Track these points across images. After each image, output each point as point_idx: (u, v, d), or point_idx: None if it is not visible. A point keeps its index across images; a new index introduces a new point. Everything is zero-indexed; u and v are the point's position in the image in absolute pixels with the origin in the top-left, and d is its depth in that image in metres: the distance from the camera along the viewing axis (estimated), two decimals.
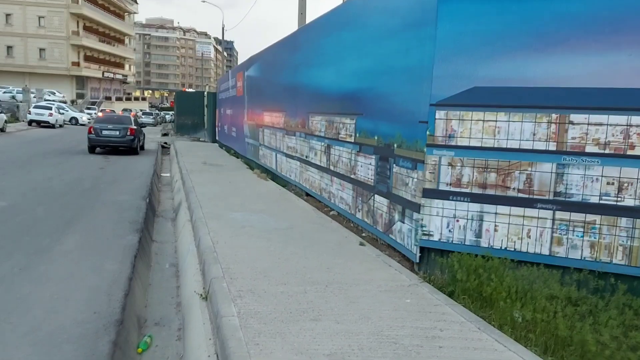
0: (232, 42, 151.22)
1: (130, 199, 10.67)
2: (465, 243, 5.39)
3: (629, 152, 4.75)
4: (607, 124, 4.80)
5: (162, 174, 16.78)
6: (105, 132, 19.68)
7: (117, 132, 19.74)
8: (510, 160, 5.17)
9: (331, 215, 8.52)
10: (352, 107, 7.68)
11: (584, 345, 3.63)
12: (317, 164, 9.36)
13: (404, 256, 6.07)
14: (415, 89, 5.80)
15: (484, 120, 5.25)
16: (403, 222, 5.98)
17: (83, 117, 44.34)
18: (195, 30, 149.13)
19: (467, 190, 5.36)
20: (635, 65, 4.69)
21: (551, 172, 5.03)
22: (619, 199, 4.82)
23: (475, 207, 5.33)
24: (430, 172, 5.50)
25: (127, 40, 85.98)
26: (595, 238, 4.89)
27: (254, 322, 4.07)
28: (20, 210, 9.03)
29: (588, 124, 4.87)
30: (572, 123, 4.92)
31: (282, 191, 11.14)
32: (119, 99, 71.83)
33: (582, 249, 4.93)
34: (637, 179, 4.76)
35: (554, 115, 4.98)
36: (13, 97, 43.69)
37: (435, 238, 5.52)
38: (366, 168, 7.13)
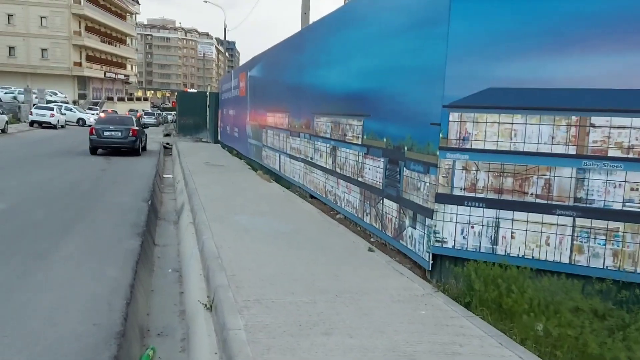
0: (233, 43, 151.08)
1: (132, 201, 10.47)
2: (480, 250, 5.18)
3: None
4: (631, 127, 4.58)
5: (164, 175, 16.59)
6: (107, 133, 19.49)
7: (119, 133, 19.54)
8: (528, 164, 4.96)
9: (337, 218, 8.31)
10: (359, 108, 7.47)
11: None
12: (322, 166, 9.16)
13: (415, 263, 5.86)
14: (426, 89, 5.59)
15: (499, 123, 5.03)
16: (414, 228, 5.77)
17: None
18: (197, 31, 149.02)
19: (483, 196, 5.14)
20: None
21: (571, 177, 4.81)
22: None
23: (490, 213, 5.12)
24: (443, 177, 5.29)
25: (128, 41, 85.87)
26: (618, 246, 4.67)
27: (262, 336, 3.86)
28: (20, 213, 8.84)
29: (610, 126, 4.65)
30: (593, 126, 4.71)
31: (285, 193, 10.94)
32: (121, 99, 71.72)
33: (604, 258, 4.72)
34: None
35: (573, 118, 4.77)
36: (14, 98, 43.52)
37: (449, 245, 5.31)
38: (374, 171, 6.92)
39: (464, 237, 5.25)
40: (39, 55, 63.40)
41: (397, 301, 4.69)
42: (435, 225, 5.35)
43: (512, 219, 5.04)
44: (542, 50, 4.86)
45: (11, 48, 62.50)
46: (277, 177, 12.68)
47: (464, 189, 5.21)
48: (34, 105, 38.94)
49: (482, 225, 5.16)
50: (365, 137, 7.27)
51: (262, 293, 4.80)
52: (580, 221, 4.80)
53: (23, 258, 6.29)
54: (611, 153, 4.66)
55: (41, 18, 63.00)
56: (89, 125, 40.60)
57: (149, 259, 7.24)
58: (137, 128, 20.31)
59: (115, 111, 42.68)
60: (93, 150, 19.77)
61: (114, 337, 4.35)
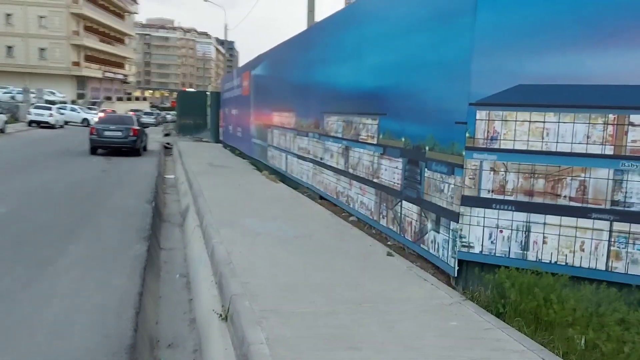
0: (232, 42, 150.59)
1: (136, 203, 10.18)
2: (510, 256, 4.90)
3: None
4: None
5: (166, 176, 16.29)
6: (107, 133, 19.19)
7: (120, 133, 19.24)
8: (561, 165, 4.67)
9: (350, 221, 8.03)
10: (374, 107, 7.19)
11: None
12: (333, 166, 8.88)
13: (438, 268, 5.59)
14: (450, 86, 5.31)
15: (530, 121, 4.75)
16: (437, 232, 5.49)
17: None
18: (195, 30, 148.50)
19: (512, 198, 4.86)
20: None
21: (608, 179, 4.53)
22: None
23: (521, 216, 4.84)
24: (470, 178, 5.01)
25: (127, 40, 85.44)
26: None
27: (284, 351, 3.58)
28: (21, 217, 8.55)
29: None
30: (632, 124, 4.43)
31: (294, 194, 10.65)
32: (119, 99, 71.42)
33: None
34: None
35: (611, 116, 4.49)
36: (13, 98, 43.17)
37: (476, 250, 5.03)
38: (391, 172, 6.64)
39: (492, 242, 4.97)
40: (37, 55, 62.99)
41: (425, 311, 4.42)
42: (461, 230, 5.07)
43: (544, 223, 4.76)
44: (577, 44, 4.58)
45: (10, 48, 62.07)
46: (284, 178, 12.40)
47: (492, 191, 4.93)
48: (32, 105, 38.59)
49: (512, 230, 4.88)
50: (381, 136, 6.99)
51: (279, 303, 4.52)
52: (617, 225, 4.52)
53: (26, 266, 6.01)
54: None
55: (40, 18, 62.58)
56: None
57: (155, 264, 6.96)
58: (137, 128, 20.01)
59: (114, 111, 42.36)
60: (93, 150, 19.48)
61: (125, 350, 4.09)
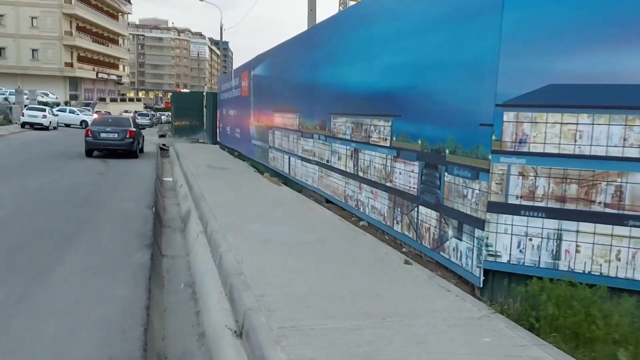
0: (226, 43, 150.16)
1: (135, 208, 9.86)
2: (540, 266, 4.62)
3: None
4: None
5: (164, 179, 15.96)
6: (103, 135, 18.81)
7: (116, 135, 18.88)
8: (595, 169, 4.40)
9: (361, 225, 7.74)
10: (387, 108, 6.91)
11: None
12: (341, 169, 8.59)
13: (461, 278, 5.31)
14: (473, 87, 5.04)
15: (561, 123, 4.48)
16: (460, 239, 5.21)
17: None
18: (189, 31, 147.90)
19: (542, 204, 4.59)
20: None
21: None
22: None
23: (552, 223, 4.56)
24: (496, 183, 4.73)
25: (120, 41, 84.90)
26: None
27: None
28: (16, 223, 8.21)
29: None
30: None
31: (299, 197, 10.36)
32: (113, 100, 70.82)
33: None
34: None
35: None
36: (6, 99, 42.64)
37: (503, 259, 4.75)
38: (407, 176, 6.36)
39: (520, 251, 4.69)
40: (29, 56, 62.43)
41: (453, 325, 4.13)
42: (487, 237, 4.79)
43: (577, 231, 4.49)
44: (612, 40, 4.32)
45: (1, 49, 61.50)
46: (287, 180, 12.10)
47: (521, 197, 4.66)
48: (25, 106, 38.10)
49: (542, 238, 4.61)
50: (394, 138, 6.70)
51: (298, 318, 4.22)
52: None
53: (22, 276, 5.68)
54: None
55: (32, 18, 62.02)
56: None
57: (158, 273, 6.65)
58: (134, 129, 19.65)
59: (109, 112, 41.91)
60: (89, 153, 19.11)
61: None
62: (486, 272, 4.85)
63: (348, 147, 8.25)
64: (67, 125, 40.29)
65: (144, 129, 27.29)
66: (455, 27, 5.39)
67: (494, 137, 4.71)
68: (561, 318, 3.86)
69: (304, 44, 11.07)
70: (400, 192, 6.53)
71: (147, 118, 53.89)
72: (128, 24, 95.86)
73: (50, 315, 4.69)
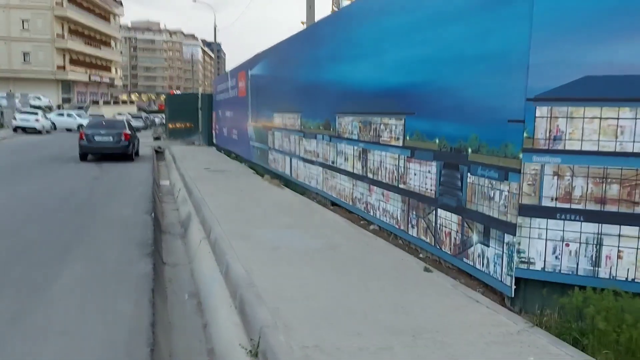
0: (219, 44, 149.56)
1: (133, 214, 9.46)
2: (578, 273, 4.27)
3: None
4: None
5: (161, 182, 15.55)
6: (97, 138, 18.37)
7: (111, 138, 18.44)
8: (639, 168, 4.06)
9: (372, 230, 7.38)
10: (399, 106, 6.55)
11: None
12: (348, 171, 8.22)
13: (487, 286, 4.95)
14: (499, 81, 4.69)
15: (601, 118, 4.13)
16: (487, 245, 4.85)
17: None
18: (182, 33, 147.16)
19: (580, 207, 4.24)
20: None
21: None
22: None
23: (590, 227, 4.21)
24: (529, 184, 4.38)
25: (113, 43, 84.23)
26: None
27: None
28: (8, 232, 7.80)
29: None
30: None
31: (302, 200, 9.98)
32: (106, 102, 70.24)
33: None
34: None
35: None
36: None
37: (537, 267, 4.40)
38: (422, 177, 6.01)
39: (556, 258, 4.34)
40: (21, 59, 61.70)
41: (492, 342, 3.77)
42: (519, 243, 4.43)
43: (619, 235, 4.14)
44: None
45: None
46: (288, 182, 11.72)
47: (556, 199, 4.31)
48: (17, 110, 37.56)
49: (580, 243, 4.26)
50: (408, 138, 6.35)
51: (320, 335, 3.85)
52: None
53: (16, 291, 5.29)
54: None
55: (23, 21, 61.30)
56: None
57: (160, 282, 6.27)
58: (129, 132, 19.21)
59: (102, 115, 41.40)
60: (83, 157, 18.67)
61: None
62: (517, 280, 4.50)
63: (356, 148, 7.88)
64: (69, 130, 39.45)
65: (139, 131, 26.81)
66: (478, 17, 5.03)
67: (525, 134, 4.35)
68: (614, 334, 3.50)
69: (305, 41, 10.70)
70: (416, 194, 6.17)
71: (141, 120, 53.29)
72: (120, 26, 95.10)
73: (49, 336, 4.30)
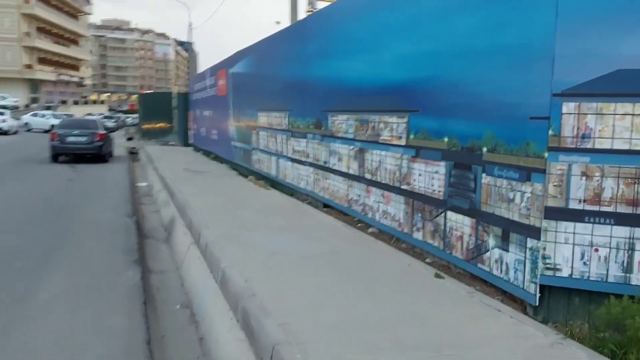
0: (191, 44, 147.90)
1: (114, 218, 8.98)
2: (608, 280, 4.02)
3: None
4: None
5: (138, 184, 15.00)
6: (70, 139, 17.68)
7: (84, 138, 17.77)
8: None
9: (370, 232, 7.06)
10: (401, 103, 6.25)
11: None
12: (342, 171, 7.89)
13: (505, 293, 4.67)
14: (519, 75, 4.41)
15: (633, 114, 3.88)
16: (505, 250, 4.57)
17: None
18: (153, 32, 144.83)
19: (610, 209, 3.98)
20: None
21: None
22: None
23: (622, 231, 3.96)
24: (555, 185, 4.11)
25: (82, 42, 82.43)
26: None
27: None
28: None
29: None
30: None
31: (292, 202, 9.61)
32: (75, 102, 68.69)
33: None
34: None
35: None
36: None
37: (564, 273, 4.13)
38: (429, 177, 5.71)
39: (584, 264, 4.08)
40: None
41: (526, 358, 3.48)
42: (544, 248, 4.16)
43: None
44: None
45: None
46: (274, 183, 11.33)
47: (584, 201, 4.05)
48: None
49: (611, 248, 4.00)
50: (412, 136, 6.04)
51: (338, 352, 3.51)
52: None
53: None
54: None
55: None
56: None
57: (148, 292, 5.86)
58: (103, 132, 18.57)
59: (72, 115, 40.23)
60: (55, 158, 17.96)
61: None
62: (541, 288, 4.22)
63: (351, 147, 7.55)
64: (47, 132, 38.12)
65: (114, 131, 26.09)
66: (494, 6, 4.75)
67: (550, 132, 4.08)
68: None
69: (294, 37, 10.33)
70: (421, 195, 5.87)
71: (113, 121, 52.09)
72: (89, 24, 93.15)
73: (35, 356, 3.87)
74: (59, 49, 70.78)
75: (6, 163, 17.47)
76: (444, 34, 5.43)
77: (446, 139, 5.41)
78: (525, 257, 4.33)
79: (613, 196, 3.97)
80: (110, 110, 78.71)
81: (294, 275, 5.20)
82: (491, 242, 4.76)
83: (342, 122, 7.85)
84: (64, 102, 65.52)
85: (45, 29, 66.50)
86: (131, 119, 61.09)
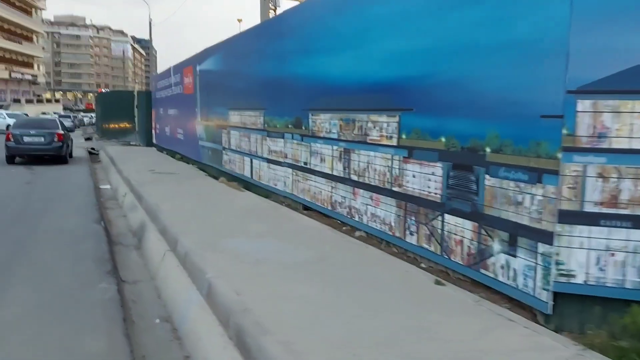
0: (150, 41, 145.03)
1: (80, 223, 8.44)
2: (626, 286, 3.83)
3: None
4: None
5: (100, 186, 14.35)
6: (27, 139, 16.81)
7: (42, 139, 16.93)
8: None
9: (358, 237, 6.77)
10: (392, 101, 5.99)
11: None
12: (325, 172, 7.58)
13: (512, 300, 4.45)
14: (528, 71, 4.19)
15: None
16: (512, 255, 4.34)
17: None
18: (109, 28, 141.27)
19: (628, 212, 3.80)
20: None
21: None
22: None
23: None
24: (569, 187, 3.90)
25: (35, 38, 79.62)
26: None
27: None
28: None
29: None
30: None
31: (270, 204, 9.24)
32: (29, 101, 66.24)
33: None
34: None
35: None
36: None
37: (579, 280, 3.93)
38: (424, 179, 5.45)
39: (600, 269, 3.88)
40: None
41: None
42: (557, 254, 3.95)
43: None
44: None
45: None
46: (248, 185, 10.93)
47: (601, 204, 3.85)
48: None
49: (628, 252, 3.81)
50: (403, 136, 5.78)
51: None
52: None
53: None
54: None
55: None
56: None
57: (124, 304, 5.42)
58: (62, 132, 17.74)
59: (27, 114, 38.71)
60: (10, 159, 17.07)
61: None
62: (553, 295, 4.01)
63: (335, 148, 7.25)
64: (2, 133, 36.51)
65: (72, 131, 25.13)
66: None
67: (564, 131, 3.87)
68: None
69: (270, 33, 9.94)
70: (415, 198, 5.61)
71: (70, 120, 50.43)
72: (42, 20, 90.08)
73: None
74: (11, 45, 68.15)
75: None
76: (440, 29, 5.17)
77: (444, 139, 5.16)
78: (536, 262, 4.11)
79: (631, 198, 3.78)
80: (65, 109, 76.40)
81: (286, 286, 4.85)
82: (496, 246, 4.53)
83: (325, 122, 7.54)
84: (16, 100, 63.09)
85: None
86: (88, 118, 59.41)
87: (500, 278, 4.48)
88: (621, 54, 3.73)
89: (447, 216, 5.14)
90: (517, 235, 4.31)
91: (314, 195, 7.99)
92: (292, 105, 8.58)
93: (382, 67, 6.17)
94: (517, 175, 4.30)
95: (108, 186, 14.47)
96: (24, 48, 73.07)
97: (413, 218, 5.67)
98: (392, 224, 6.03)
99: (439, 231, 5.25)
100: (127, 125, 29.94)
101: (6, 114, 41.26)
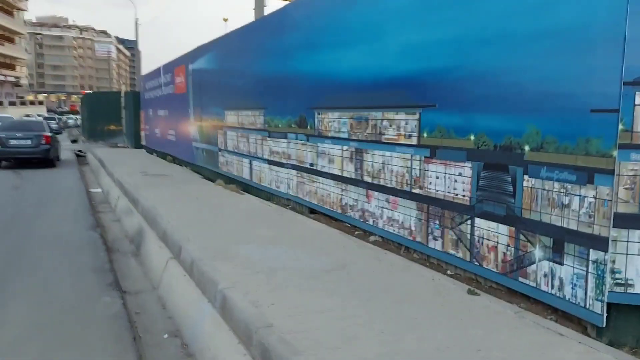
0: (134, 42, 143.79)
1: (76, 230, 8.00)
2: None
3: None
4: None
5: (91, 190, 13.86)
6: (13, 142, 16.25)
7: (29, 141, 16.37)
8: None
9: (373, 242, 6.40)
10: (411, 97, 5.63)
11: None
12: (334, 174, 7.20)
13: (555, 310, 4.11)
14: (577, 61, 3.84)
15: None
16: (559, 263, 3.99)
17: None
18: (93, 29, 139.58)
19: None
20: None
21: None
22: None
23: None
24: (626, 188, 3.56)
25: (17, 40, 78.34)
26: None
27: None
28: None
29: None
30: None
31: (273, 208, 8.84)
32: (12, 103, 65.13)
33: None
34: None
35: None
36: None
37: (637, 289, 3.59)
38: (450, 180, 5.10)
39: None
40: None
41: None
42: (613, 261, 3.61)
43: None
44: None
45: None
46: (248, 187, 10.52)
47: None
48: None
49: None
50: (425, 135, 5.42)
51: None
52: None
53: None
54: None
55: None
56: None
57: (131, 322, 5.00)
58: (49, 134, 17.19)
59: (11, 116, 37.92)
60: None
61: None
62: (607, 306, 3.67)
63: (346, 148, 6.88)
64: None
65: (59, 133, 24.52)
66: None
67: (621, 127, 3.53)
68: None
69: (270, 29, 9.52)
70: (439, 200, 5.26)
71: (55, 122, 49.56)
72: (24, 21, 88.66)
73: None
74: None
75: None
76: (469, 17, 4.81)
77: (472, 137, 4.81)
78: (587, 271, 3.76)
79: None
80: (49, 111, 75.22)
81: (308, 298, 4.47)
82: (538, 253, 4.18)
83: (333, 120, 7.16)
84: None
85: None
86: (73, 120, 58.53)
87: (543, 287, 4.14)
88: None
89: (477, 220, 4.79)
90: (563, 240, 3.96)
91: (322, 198, 7.61)
92: (295, 103, 8.20)
93: (399, 61, 5.80)
94: (562, 176, 3.96)
95: (99, 189, 14.01)
96: (6, 50, 71.85)
97: (437, 222, 5.31)
98: (413, 228, 5.67)
99: (468, 236, 4.90)
100: (115, 126, 29.36)
101: None
